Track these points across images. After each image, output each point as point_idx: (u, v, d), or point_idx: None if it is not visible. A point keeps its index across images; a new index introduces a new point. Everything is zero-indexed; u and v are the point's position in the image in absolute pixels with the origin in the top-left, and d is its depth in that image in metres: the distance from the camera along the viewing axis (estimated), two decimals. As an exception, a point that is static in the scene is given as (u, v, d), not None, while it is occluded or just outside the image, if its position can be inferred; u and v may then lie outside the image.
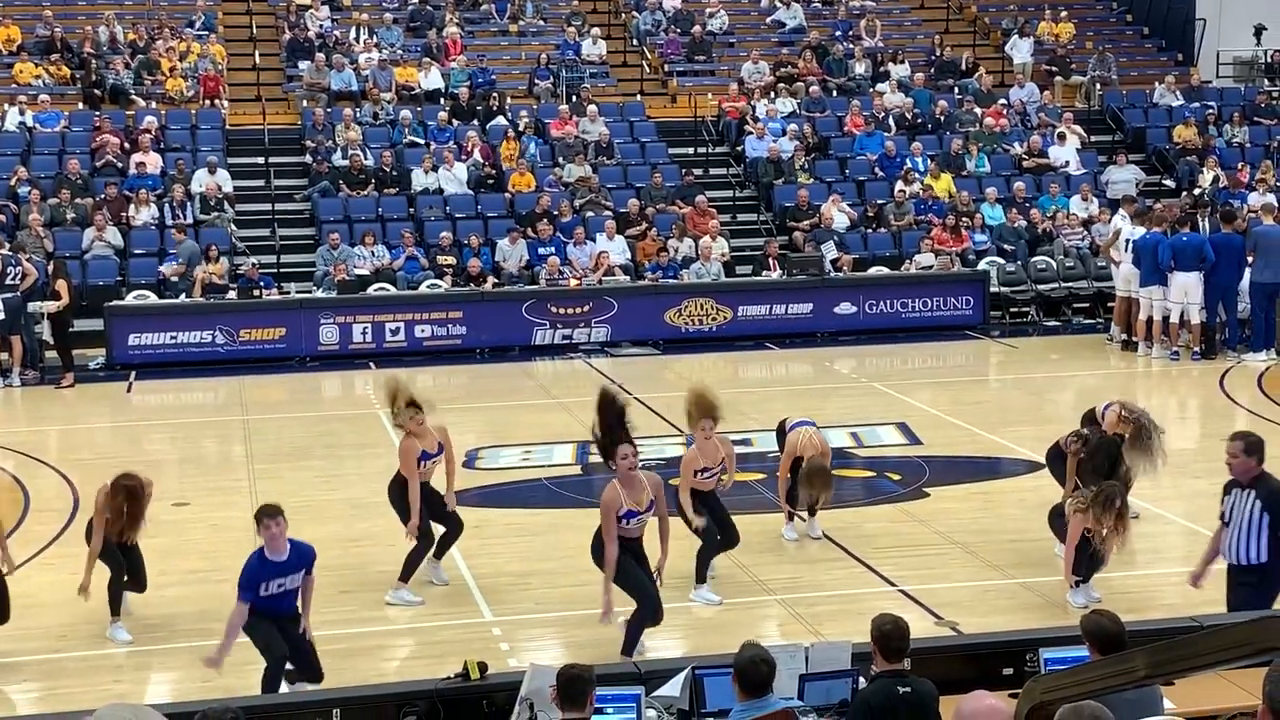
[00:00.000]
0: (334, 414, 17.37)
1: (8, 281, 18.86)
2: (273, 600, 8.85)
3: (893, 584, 10.92)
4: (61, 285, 19.50)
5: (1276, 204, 21.89)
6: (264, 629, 8.84)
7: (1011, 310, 22.68)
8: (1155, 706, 6.30)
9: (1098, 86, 28.46)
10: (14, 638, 10.18)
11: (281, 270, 22.51)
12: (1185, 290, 19.52)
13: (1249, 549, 8.67)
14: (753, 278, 22.33)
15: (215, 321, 20.32)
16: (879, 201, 24.26)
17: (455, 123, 25.38)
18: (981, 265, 22.79)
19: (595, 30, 28.57)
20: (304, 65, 26.46)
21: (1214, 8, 30.22)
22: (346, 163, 23.91)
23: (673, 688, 7.47)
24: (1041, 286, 22.78)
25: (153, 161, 23.67)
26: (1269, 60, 30.25)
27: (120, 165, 23.67)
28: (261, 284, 20.90)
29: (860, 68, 27.97)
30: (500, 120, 25.54)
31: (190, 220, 22.70)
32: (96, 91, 25.48)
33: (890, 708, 6.60)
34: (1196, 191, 24.40)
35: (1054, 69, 28.81)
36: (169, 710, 7.60)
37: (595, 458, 14.66)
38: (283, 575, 8.90)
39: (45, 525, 12.73)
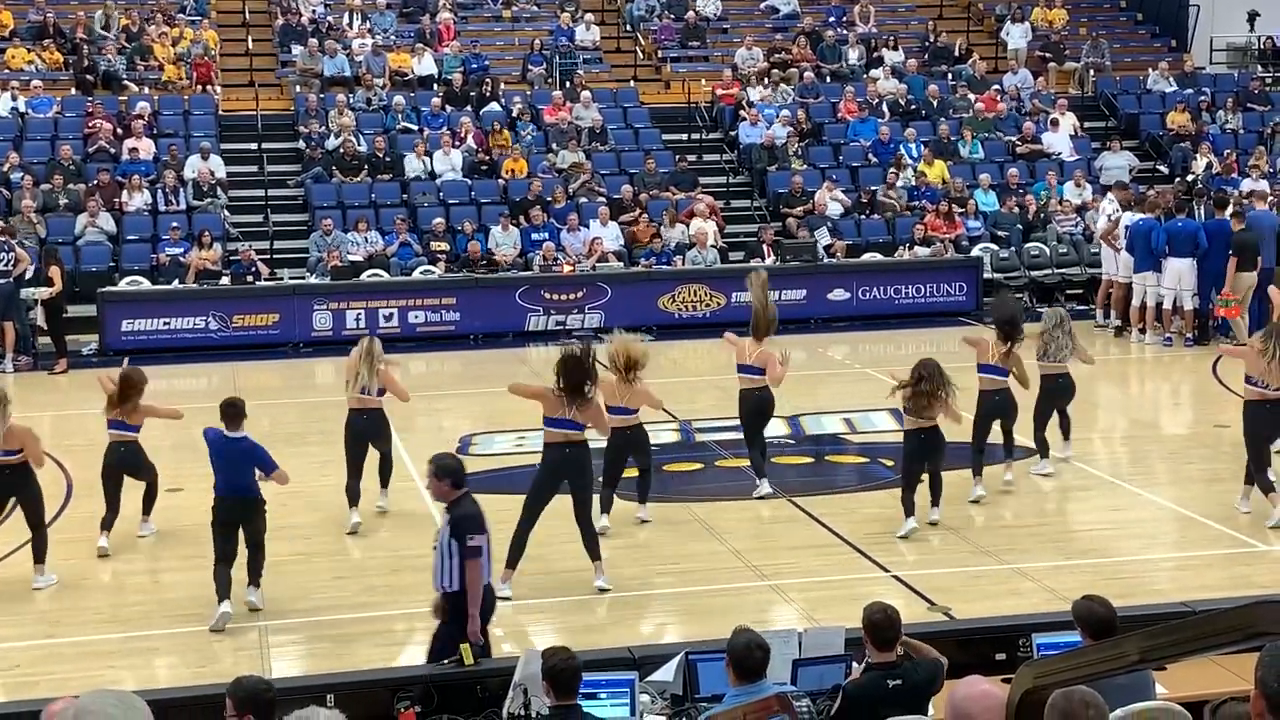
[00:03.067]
0: (328, 400, 17.27)
1: (0, 268, 18.84)
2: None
3: (886, 569, 10.94)
4: (54, 271, 19.48)
5: (1269, 190, 21.96)
6: None
7: (1005, 296, 22.67)
8: (1147, 691, 6.31)
9: (1091, 73, 28.44)
10: (7, 623, 10.19)
11: (275, 256, 22.47)
12: (1179, 276, 19.53)
13: (445, 575, 8.32)
14: (746, 264, 22.30)
15: (208, 307, 20.30)
16: (873, 188, 24.26)
17: (449, 109, 25.35)
18: (975, 251, 22.80)
19: (589, 16, 28.52)
20: (297, 50, 26.40)
21: (1208, -6, 30.22)
22: (340, 148, 23.87)
23: (666, 673, 7.49)
24: (1035, 273, 22.79)
25: (145, 147, 23.63)
26: (1262, 46, 30.26)
27: (113, 151, 23.61)
28: (251, 270, 20.89)
29: (854, 54, 27.95)
30: (494, 106, 25.51)
31: (183, 206, 22.67)
32: (89, 77, 25.41)
33: (877, 701, 6.57)
34: (1190, 178, 24.41)
35: (1048, 55, 28.78)
36: (162, 696, 7.61)
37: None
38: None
39: (38, 511, 12.70)
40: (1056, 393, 13.32)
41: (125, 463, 12.06)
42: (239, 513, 10.18)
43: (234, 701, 6.19)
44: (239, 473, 10.29)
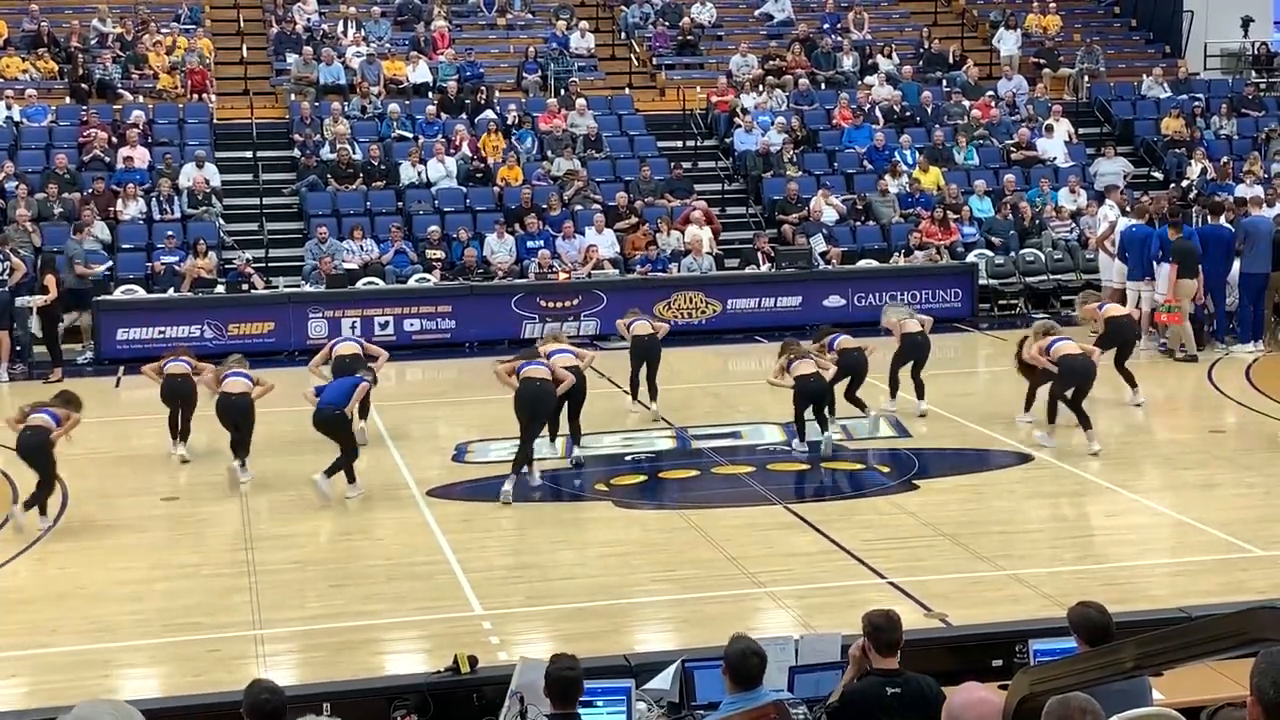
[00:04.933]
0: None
1: (-4, 278, 18.87)
2: None
3: (882, 576, 10.93)
4: (49, 280, 19.47)
5: (1264, 195, 21.99)
6: None
7: (1000, 303, 22.70)
8: (1144, 698, 6.30)
9: (1085, 79, 28.49)
10: (2, 632, 10.18)
11: (270, 264, 22.47)
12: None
13: None
14: (742, 271, 22.34)
15: (204, 316, 20.27)
16: (868, 194, 24.28)
17: (443, 116, 25.35)
18: (970, 258, 22.82)
19: (583, 23, 28.55)
20: (292, 59, 26.41)
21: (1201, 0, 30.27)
22: (334, 157, 23.87)
23: (663, 680, 7.48)
24: (1030, 279, 22.81)
25: (140, 156, 23.62)
26: (1256, 52, 30.31)
27: (108, 160, 23.61)
28: (246, 279, 20.88)
29: (848, 61, 27.98)
30: (489, 114, 25.52)
31: (178, 214, 22.67)
32: (84, 86, 25.41)
33: (875, 708, 6.50)
34: (1184, 184, 24.44)
35: (1042, 61, 28.83)
36: (158, 706, 7.60)
37: (582, 452, 14.73)
38: None
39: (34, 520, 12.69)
40: (912, 348, 16.02)
41: (179, 391, 14.73)
42: (331, 423, 13.22)
43: (244, 711, 6.13)
44: (342, 394, 13.47)
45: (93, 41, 26.34)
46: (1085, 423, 14.37)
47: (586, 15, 29.13)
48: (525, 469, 13.38)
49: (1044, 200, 24.07)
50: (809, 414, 14.69)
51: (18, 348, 19.55)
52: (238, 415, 13.85)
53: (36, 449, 12.43)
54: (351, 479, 13.17)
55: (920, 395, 16.09)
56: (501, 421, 16.21)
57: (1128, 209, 21.41)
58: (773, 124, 25.59)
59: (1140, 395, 16.41)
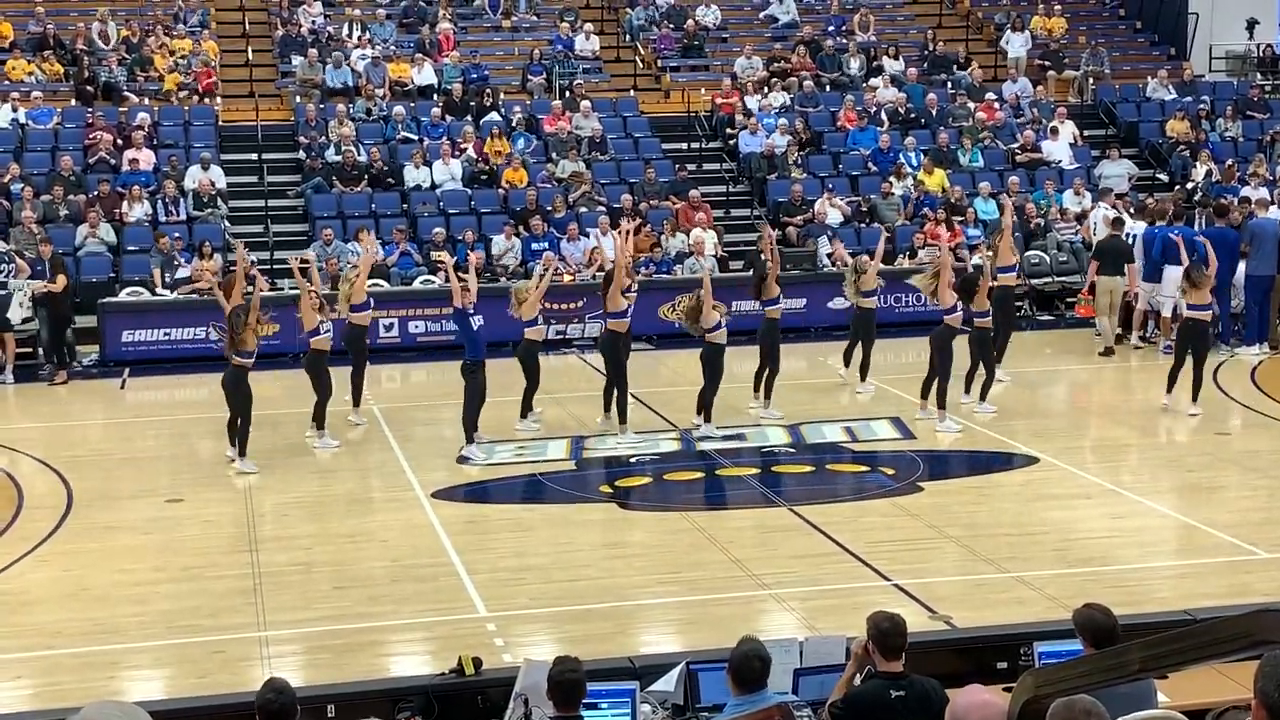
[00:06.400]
0: (328, 410, 17.34)
1: (0, 278, 18.85)
2: None
3: (887, 578, 10.92)
4: (60, 280, 19.47)
5: (1270, 197, 21.98)
6: None
7: (1005, 305, 22.64)
8: (1149, 700, 6.30)
9: (1091, 81, 28.48)
10: (8, 634, 10.19)
11: (275, 267, 22.47)
12: (1177, 284, 19.50)
13: None
14: (746, 273, 22.30)
15: (208, 318, 20.24)
16: (872, 197, 24.28)
17: (448, 119, 25.37)
18: (975, 260, 22.77)
19: (588, 25, 28.56)
20: (297, 61, 26.43)
21: (1207, 2, 30.25)
22: (339, 159, 23.88)
23: (667, 683, 7.49)
24: (1035, 281, 22.78)
25: (146, 158, 23.64)
26: (1261, 54, 30.30)
27: (113, 162, 23.62)
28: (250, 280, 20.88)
29: (854, 63, 27.98)
30: (494, 116, 25.53)
31: (183, 217, 22.69)
32: (89, 88, 25.43)
33: (879, 709, 6.48)
34: (1189, 186, 24.42)
35: (1047, 63, 28.83)
36: (163, 707, 7.61)
37: (589, 453, 14.76)
38: None
39: (39, 522, 12.72)
40: (860, 322, 17.64)
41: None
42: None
43: (256, 710, 6.13)
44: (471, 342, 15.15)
45: (98, 44, 26.36)
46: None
47: (591, 17, 29.14)
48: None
49: (1049, 202, 24.05)
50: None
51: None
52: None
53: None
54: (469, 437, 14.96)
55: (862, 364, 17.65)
56: (506, 424, 16.25)
57: (1131, 211, 21.40)
58: (777, 126, 25.59)
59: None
